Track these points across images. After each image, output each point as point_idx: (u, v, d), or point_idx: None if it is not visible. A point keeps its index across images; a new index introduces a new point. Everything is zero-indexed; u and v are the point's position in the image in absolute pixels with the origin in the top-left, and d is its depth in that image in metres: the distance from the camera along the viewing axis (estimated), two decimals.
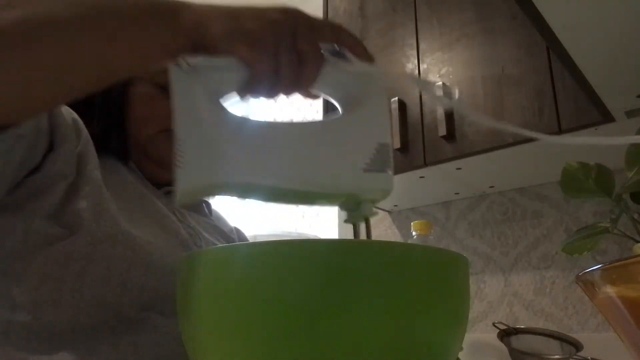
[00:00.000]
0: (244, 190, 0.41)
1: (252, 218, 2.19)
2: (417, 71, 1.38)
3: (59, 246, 0.51)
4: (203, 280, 0.35)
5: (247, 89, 0.42)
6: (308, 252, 0.33)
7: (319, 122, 0.44)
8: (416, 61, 1.40)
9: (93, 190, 0.55)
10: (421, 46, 1.40)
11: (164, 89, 0.65)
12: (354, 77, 0.44)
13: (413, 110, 1.36)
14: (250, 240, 0.89)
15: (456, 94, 0.44)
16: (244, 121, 0.41)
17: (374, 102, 0.44)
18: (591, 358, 1.06)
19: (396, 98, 1.37)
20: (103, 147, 0.63)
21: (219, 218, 0.83)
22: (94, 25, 0.40)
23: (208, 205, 0.80)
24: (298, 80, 0.42)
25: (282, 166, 0.40)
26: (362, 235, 0.43)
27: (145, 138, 0.67)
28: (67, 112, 0.59)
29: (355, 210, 0.43)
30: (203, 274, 0.35)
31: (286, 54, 0.41)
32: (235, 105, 0.42)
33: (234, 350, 0.33)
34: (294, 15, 0.42)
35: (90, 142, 0.59)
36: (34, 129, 0.51)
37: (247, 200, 0.42)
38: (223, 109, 0.41)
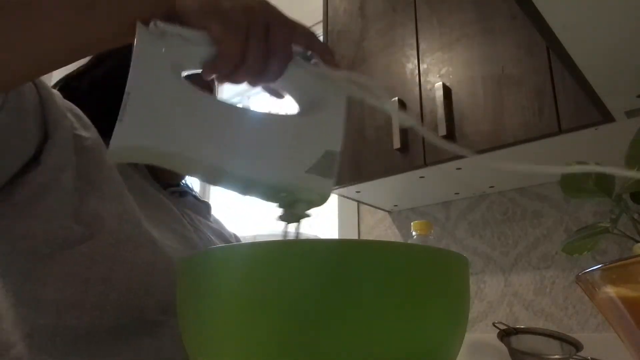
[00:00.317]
0: (180, 163, 0.40)
1: (252, 218, 2.19)
2: (417, 71, 1.38)
3: (82, 247, 0.51)
4: (203, 281, 0.35)
5: (210, 67, 0.42)
6: (308, 252, 0.33)
7: (275, 115, 0.43)
8: (416, 61, 1.40)
9: (114, 191, 0.54)
10: (421, 46, 1.40)
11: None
12: (317, 81, 0.45)
13: (413, 110, 1.36)
14: (250, 241, 0.89)
15: (413, 115, 0.45)
16: (199, 96, 0.41)
17: (332, 110, 0.45)
18: (591, 358, 1.06)
19: (396, 98, 1.37)
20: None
21: (218, 222, 0.83)
22: None
23: (208, 208, 0.80)
24: (263, 71, 0.42)
25: (226, 147, 0.40)
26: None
27: None
28: (66, 105, 0.57)
29: (289, 209, 0.44)
30: (203, 275, 0.35)
31: (256, 41, 0.41)
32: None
33: (233, 351, 0.33)
34: (271, 9, 0.43)
35: (102, 141, 0.58)
36: (14, 111, 0.48)
37: (189, 176, 0.41)
38: (181, 80, 0.40)
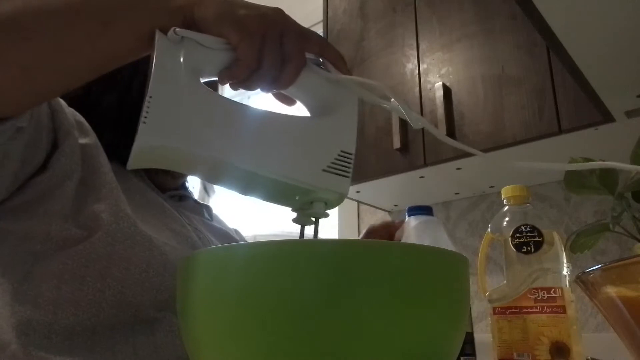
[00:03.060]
0: (201, 164, 0.41)
1: (252, 218, 2.19)
2: (417, 71, 1.38)
3: (79, 247, 0.52)
4: (202, 281, 0.35)
5: (227, 73, 0.43)
6: (308, 252, 0.33)
7: (290, 116, 0.44)
8: (416, 61, 1.40)
9: (110, 192, 0.55)
10: (421, 46, 1.40)
11: None
12: (329, 87, 0.46)
13: (413, 110, 1.36)
14: (250, 240, 0.89)
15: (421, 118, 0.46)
16: (217, 98, 0.42)
17: (345, 112, 0.46)
18: (591, 358, 1.06)
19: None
20: (113, 155, 0.63)
21: (222, 223, 0.84)
22: (90, 10, 0.41)
23: (209, 209, 0.81)
24: (278, 77, 0.43)
25: (245, 147, 0.41)
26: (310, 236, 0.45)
27: None
28: (71, 113, 0.59)
29: (305, 210, 0.44)
30: (202, 275, 0.35)
31: (271, 48, 0.42)
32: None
33: (232, 352, 0.33)
34: (285, 17, 0.44)
35: (100, 146, 0.60)
36: (34, 124, 0.51)
37: (206, 181, 0.42)
38: (199, 83, 0.42)
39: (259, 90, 0.45)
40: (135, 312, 0.53)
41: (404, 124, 1.35)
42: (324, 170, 0.43)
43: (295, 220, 0.45)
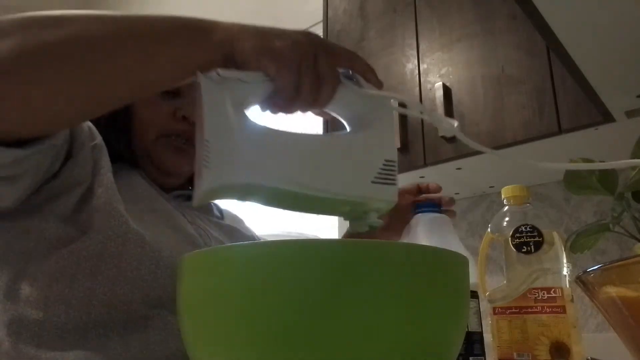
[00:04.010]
0: (263, 194, 0.43)
1: (252, 218, 2.18)
2: (417, 71, 1.38)
3: (72, 246, 0.52)
4: (202, 281, 0.35)
5: (269, 103, 0.45)
6: (307, 252, 0.33)
7: (332, 135, 0.47)
8: (416, 61, 1.40)
9: (105, 192, 0.56)
10: (421, 46, 1.40)
11: (163, 94, 0.66)
12: (364, 99, 0.48)
13: (413, 110, 1.36)
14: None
15: (455, 123, 0.48)
16: (266, 129, 0.44)
17: (382, 122, 0.48)
18: (591, 358, 1.06)
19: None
20: (113, 154, 0.63)
21: (234, 219, 0.85)
22: (136, 43, 0.43)
23: (219, 208, 0.82)
24: (316, 99, 0.45)
25: (300, 172, 0.43)
26: None
27: (147, 143, 0.68)
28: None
29: (360, 219, 0.47)
30: (203, 274, 0.35)
31: (308, 73, 0.44)
32: (256, 117, 0.45)
33: (232, 352, 0.33)
34: (315, 39, 0.46)
35: (104, 147, 0.61)
36: (59, 138, 0.52)
37: (264, 205, 0.45)
38: (247, 118, 0.44)
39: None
40: (127, 309, 0.53)
41: (403, 124, 1.35)
42: (372, 182, 0.45)
43: (351, 229, 0.48)
